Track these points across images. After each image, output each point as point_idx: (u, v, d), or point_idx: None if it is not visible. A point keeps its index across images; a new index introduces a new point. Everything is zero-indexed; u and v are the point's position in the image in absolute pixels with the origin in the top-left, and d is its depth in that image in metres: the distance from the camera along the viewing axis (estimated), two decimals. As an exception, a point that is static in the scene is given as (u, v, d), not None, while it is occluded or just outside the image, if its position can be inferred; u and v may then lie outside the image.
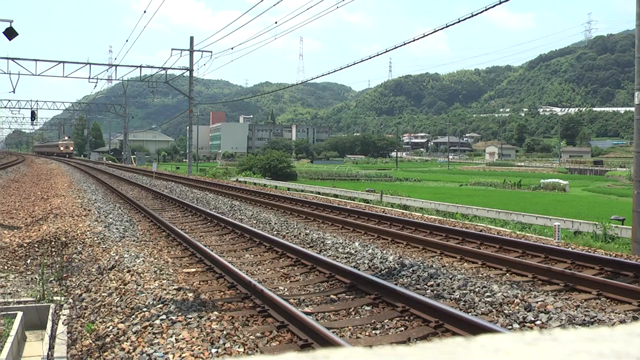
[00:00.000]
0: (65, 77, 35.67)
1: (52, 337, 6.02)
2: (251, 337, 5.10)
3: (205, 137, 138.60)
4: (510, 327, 5.45)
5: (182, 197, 19.16)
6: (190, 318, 5.28)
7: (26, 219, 14.10)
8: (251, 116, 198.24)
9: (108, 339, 5.37)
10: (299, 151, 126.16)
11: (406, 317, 5.81)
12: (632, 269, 7.86)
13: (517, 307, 5.81)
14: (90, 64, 34.72)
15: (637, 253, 10.72)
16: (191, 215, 14.82)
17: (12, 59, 32.86)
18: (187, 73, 38.15)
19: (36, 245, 10.42)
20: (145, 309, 5.76)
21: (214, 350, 4.55)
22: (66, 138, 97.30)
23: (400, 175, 60.76)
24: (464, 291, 6.48)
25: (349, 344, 4.88)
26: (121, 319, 5.76)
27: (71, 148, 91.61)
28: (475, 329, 4.93)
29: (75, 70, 35.72)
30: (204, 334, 4.91)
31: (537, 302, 5.83)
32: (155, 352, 4.62)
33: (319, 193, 29.03)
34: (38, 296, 7.32)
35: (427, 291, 6.72)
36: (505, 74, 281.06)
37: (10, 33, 19.37)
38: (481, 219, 18.29)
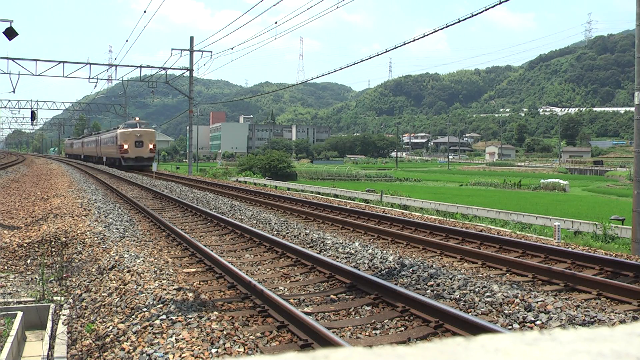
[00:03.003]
0: (65, 77, 35.71)
1: (52, 337, 6.02)
2: (251, 337, 5.09)
3: (205, 137, 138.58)
4: (510, 327, 5.45)
5: (182, 197, 19.16)
6: (190, 318, 5.28)
7: (26, 219, 14.09)
8: (251, 116, 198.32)
9: (108, 339, 5.37)
10: (299, 151, 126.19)
11: (406, 317, 5.80)
12: (632, 269, 7.87)
13: (517, 307, 5.81)
14: (90, 64, 34.76)
15: (637, 253, 10.73)
16: (191, 215, 14.82)
17: (12, 59, 32.88)
18: (187, 73, 38.16)
19: (36, 245, 10.42)
20: (145, 309, 5.75)
21: (214, 350, 4.55)
22: (136, 120, 46.43)
23: (400, 175, 60.75)
24: (464, 291, 6.47)
25: (349, 344, 4.88)
26: (121, 319, 5.76)
27: (151, 146, 43.56)
28: (475, 329, 4.93)
29: (75, 70, 35.76)
30: (204, 334, 4.90)
31: (537, 302, 5.82)
32: (155, 352, 4.62)
33: (319, 193, 29.03)
34: (38, 296, 7.32)
35: (427, 291, 6.72)
36: (505, 74, 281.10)
37: (10, 33, 19.36)
38: (481, 219, 18.28)
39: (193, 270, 8.25)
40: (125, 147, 42.31)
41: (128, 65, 37.04)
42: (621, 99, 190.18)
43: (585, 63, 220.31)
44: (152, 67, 37.40)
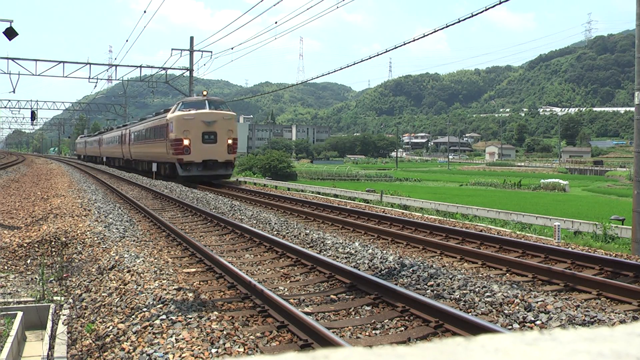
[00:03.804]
0: (65, 77, 35.69)
1: (52, 337, 6.02)
2: (251, 337, 5.09)
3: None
4: (510, 327, 5.45)
5: (182, 197, 19.15)
6: (190, 318, 5.28)
7: (26, 219, 14.09)
8: (251, 116, 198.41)
9: (108, 339, 5.37)
10: (299, 151, 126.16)
11: (406, 317, 5.80)
12: (632, 269, 7.86)
13: (517, 307, 5.81)
14: (90, 64, 34.73)
15: (637, 253, 10.73)
16: (191, 215, 14.82)
17: (12, 59, 32.87)
18: (187, 73, 38.14)
19: (36, 245, 10.41)
20: (145, 309, 5.75)
21: (214, 350, 4.55)
22: (204, 94, 26.82)
23: (400, 175, 60.72)
24: (464, 291, 6.47)
25: (349, 344, 4.88)
26: (121, 319, 5.76)
27: (230, 141, 26.09)
28: (475, 329, 4.93)
29: (75, 70, 35.73)
30: (204, 334, 4.90)
31: (537, 302, 5.82)
32: (155, 352, 4.61)
33: (319, 193, 29.01)
34: (38, 296, 7.31)
35: (427, 291, 6.72)
36: (505, 74, 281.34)
37: (10, 33, 19.37)
38: (481, 219, 18.28)
39: (193, 270, 8.25)
40: (186, 143, 25.04)
41: (128, 65, 37.03)
42: (621, 99, 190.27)
43: (585, 63, 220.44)
44: (152, 67, 37.38)
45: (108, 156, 47.94)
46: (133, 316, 5.66)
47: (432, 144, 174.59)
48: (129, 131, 37.46)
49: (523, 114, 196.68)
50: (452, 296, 6.41)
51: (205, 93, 27.10)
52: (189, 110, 25.90)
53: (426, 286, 6.92)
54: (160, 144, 28.03)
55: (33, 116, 43.24)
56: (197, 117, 25.44)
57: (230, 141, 26.01)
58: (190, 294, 6.24)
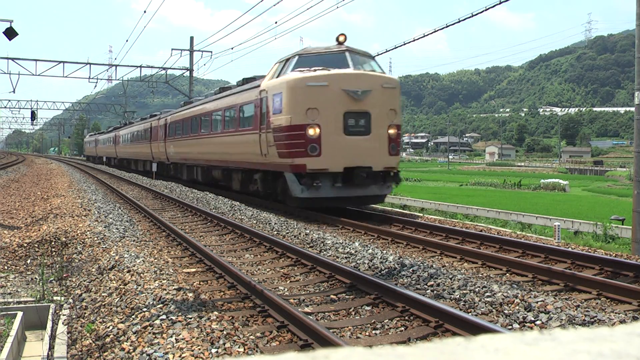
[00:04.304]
0: (65, 77, 35.73)
1: (52, 337, 6.02)
2: (251, 337, 5.09)
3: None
4: (510, 327, 5.44)
5: (182, 197, 19.15)
6: (190, 318, 5.28)
7: (26, 219, 14.09)
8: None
9: (108, 339, 5.36)
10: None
11: (406, 317, 5.80)
12: (632, 269, 7.86)
13: (517, 307, 5.81)
14: (90, 64, 34.77)
15: (637, 253, 10.73)
16: (191, 215, 14.82)
17: (12, 59, 32.90)
18: (187, 73, 38.15)
19: (36, 245, 10.41)
20: (145, 309, 5.75)
21: (214, 350, 4.55)
22: (341, 40, 14.16)
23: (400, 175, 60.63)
24: (464, 291, 6.47)
25: (348, 344, 4.88)
26: (121, 319, 5.76)
27: (391, 131, 14.26)
28: (475, 329, 4.93)
29: (75, 70, 35.76)
30: (204, 334, 4.90)
31: (537, 302, 5.82)
32: (155, 352, 4.61)
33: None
34: (38, 296, 7.31)
35: (427, 291, 6.72)
36: (505, 74, 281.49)
37: (10, 33, 19.38)
38: (481, 219, 18.29)
39: (193, 270, 8.25)
40: (311, 133, 13.28)
41: (128, 65, 37.09)
42: (621, 99, 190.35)
43: (585, 63, 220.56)
44: (152, 67, 37.45)
45: (127, 157, 38.93)
46: (133, 316, 5.66)
47: (432, 144, 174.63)
48: (166, 121, 26.98)
49: (523, 114, 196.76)
50: (452, 296, 6.41)
51: (342, 39, 14.58)
52: (314, 70, 13.84)
53: (426, 286, 6.91)
54: (241, 138, 16.68)
55: (33, 116, 43.29)
56: (334, 82, 13.53)
57: (392, 131, 14.68)
58: (190, 294, 6.24)
